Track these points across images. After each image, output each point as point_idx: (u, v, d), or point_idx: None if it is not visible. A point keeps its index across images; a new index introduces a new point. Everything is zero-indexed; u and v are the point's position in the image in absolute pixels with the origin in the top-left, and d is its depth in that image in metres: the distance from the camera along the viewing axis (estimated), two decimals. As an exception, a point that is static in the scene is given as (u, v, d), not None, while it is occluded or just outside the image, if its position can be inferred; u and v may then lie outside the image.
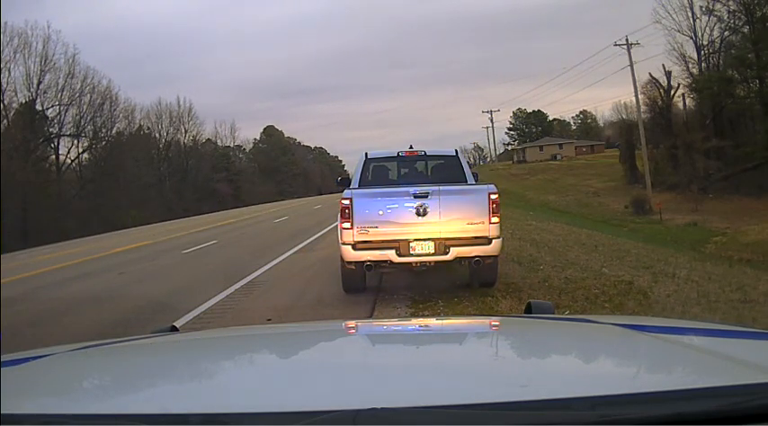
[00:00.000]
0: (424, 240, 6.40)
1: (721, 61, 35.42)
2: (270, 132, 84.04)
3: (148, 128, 56.59)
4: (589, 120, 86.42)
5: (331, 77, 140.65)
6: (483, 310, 6.03)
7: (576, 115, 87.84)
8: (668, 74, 36.87)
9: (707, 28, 35.65)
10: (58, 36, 47.60)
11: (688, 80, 36.86)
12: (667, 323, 1.89)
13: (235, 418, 0.87)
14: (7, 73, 37.87)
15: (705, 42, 35.96)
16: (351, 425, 0.79)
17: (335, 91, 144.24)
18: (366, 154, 7.96)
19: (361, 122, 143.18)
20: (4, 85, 37.60)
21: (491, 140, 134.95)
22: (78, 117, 43.68)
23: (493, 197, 6.42)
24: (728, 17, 34.27)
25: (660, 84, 37.04)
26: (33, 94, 40.01)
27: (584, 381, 1.06)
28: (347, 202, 6.44)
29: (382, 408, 0.81)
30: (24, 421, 0.91)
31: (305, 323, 3.35)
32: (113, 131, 48.21)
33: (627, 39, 33.03)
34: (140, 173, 48.93)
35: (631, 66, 32.98)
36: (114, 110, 47.68)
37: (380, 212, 6.48)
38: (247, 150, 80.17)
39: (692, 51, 36.56)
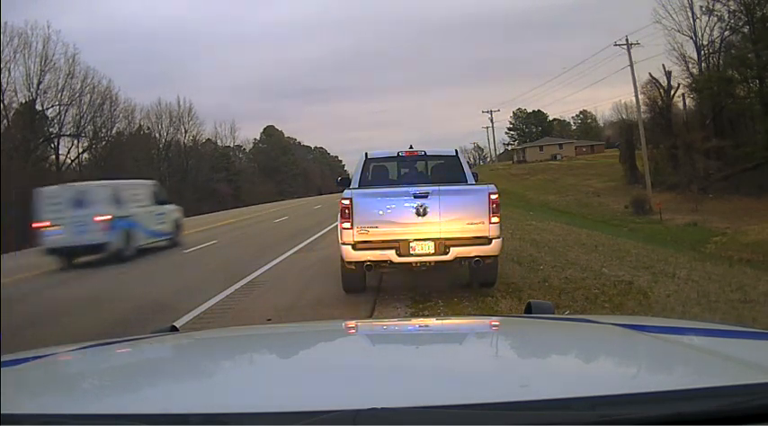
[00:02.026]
0: (424, 240, 6.40)
1: (721, 61, 35.44)
2: (270, 132, 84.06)
3: (148, 128, 56.63)
4: (589, 120, 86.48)
5: (331, 77, 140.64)
6: (483, 310, 6.03)
7: (576, 115, 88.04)
8: (668, 74, 36.95)
9: (707, 28, 35.72)
10: (57, 36, 47.63)
11: (688, 80, 36.95)
12: (667, 323, 1.89)
13: (235, 418, 0.87)
14: (7, 73, 37.90)
15: (705, 42, 36.03)
16: (351, 425, 0.79)
17: (335, 91, 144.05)
18: (366, 154, 7.96)
19: (361, 122, 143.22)
20: (4, 85, 37.64)
21: (491, 140, 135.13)
22: (78, 117, 43.72)
23: (493, 197, 6.42)
24: (728, 17, 34.32)
25: (660, 84, 37.09)
26: (33, 94, 40.03)
27: (584, 381, 1.06)
28: (347, 202, 6.44)
29: (382, 408, 0.81)
30: (24, 421, 0.91)
31: (305, 323, 3.35)
32: (113, 131, 48.26)
33: (627, 40, 33.08)
34: (140, 173, 48.87)
35: (631, 66, 33.03)
36: (114, 110, 47.72)
37: (380, 212, 6.48)
38: (247, 150, 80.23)
39: (692, 51, 36.66)
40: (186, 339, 1.93)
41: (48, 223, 12.70)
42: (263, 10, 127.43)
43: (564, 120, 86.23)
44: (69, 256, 12.79)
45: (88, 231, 12.58)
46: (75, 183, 14.59)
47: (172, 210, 16.01)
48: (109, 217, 12.87)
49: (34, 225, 13.03)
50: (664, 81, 37.03)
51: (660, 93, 37.13)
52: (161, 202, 15.41)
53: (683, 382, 1.03)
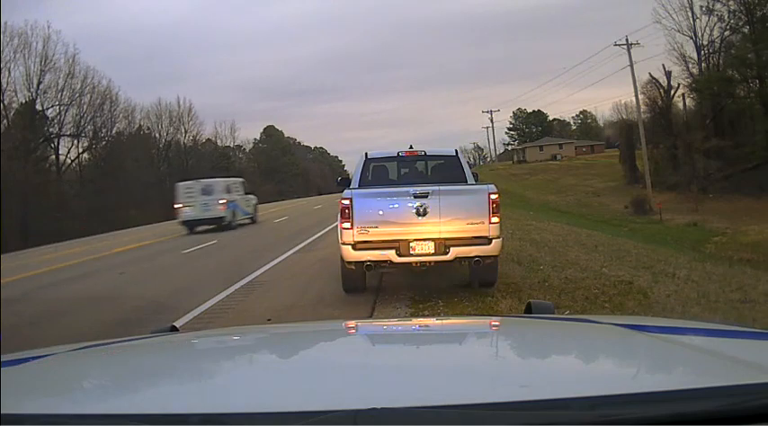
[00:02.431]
0: (424, 240, 6.40)
1: (721, 61, 35.44)
2: (270, 132, 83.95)
3: (148, 128, 56.50)
4: (589, 120, 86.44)
5: (331, 77, 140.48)
6: (483, 310, 6.03)
7: (576, 115, 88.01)
8: (668, 74, 36.96)
9: (707, 28, 35.74)
10: (57, 36, 47.41)
11: (688, 80, 36.94)
12: (667, 323, 1.89)
13: (235, 418, 0.87)
14: (7, 73, 37.89)
15: (705, 42, 36.03)
16: (351, 425, 0.79)
17: (335, 91, 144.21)
18: (366, 154, 7.96)
19: (361, 122, 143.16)
20: (4, 85, 37.63)
21: (491, 140, 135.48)
22: (78, 117, 43.66)
23: (493, 197, 6.42)
24: (728, 17, 34.33)
25: (660, 84, 37.10)
26: (33, 94, 40.00)
27: (584, 381, 1.06)
28: (347, 202, 6.44)
29: (382, 408, 0.81)
30: (24, 421, 0.91)
31: (305, 323, 3.34)
32: (113, 131, 48.19)
33: (627, 40, 33.07)
34: (140, 173, 48.88)
35: (631, 66, 33.02)
36: (114, 110, 47.64)
37: (380, 212, 6.48)
38: (247, 150, 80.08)
39: (692, 51, 36.66)
40: (186, 339, 1.92)
41: (182, 204, 19.98)
42: (264, 10, 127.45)
43: (564, 120, 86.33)
44: (194, 226, 19.89)
45: (212, 209, 19.64)
46: (203, 179, 21.48)
47: (252, 198, 23.47)
48: (225, 200, 19.96)
49: (175, 205, 20.46)
50: (664, 81, 37.08)
51: (660, 93, 37.15)
52: (247, 193, 22.80)
53: (682, 382, 1.03)
